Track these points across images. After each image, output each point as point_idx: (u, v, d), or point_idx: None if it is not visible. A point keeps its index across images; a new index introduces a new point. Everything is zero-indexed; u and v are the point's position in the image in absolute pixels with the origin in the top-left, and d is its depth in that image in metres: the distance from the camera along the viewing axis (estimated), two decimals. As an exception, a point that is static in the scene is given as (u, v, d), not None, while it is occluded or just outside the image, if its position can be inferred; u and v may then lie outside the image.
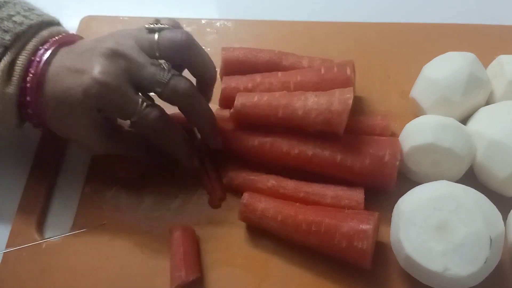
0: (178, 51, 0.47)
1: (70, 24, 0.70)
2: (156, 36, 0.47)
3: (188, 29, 0.66)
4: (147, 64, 0.46)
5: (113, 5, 0.74)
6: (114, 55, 0.45)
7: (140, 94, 0.46)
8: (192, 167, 0.51)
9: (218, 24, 0.67)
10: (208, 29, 0.67)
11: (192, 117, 0.49)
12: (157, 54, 0.47)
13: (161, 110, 0.47)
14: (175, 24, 0.50)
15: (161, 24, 0.48)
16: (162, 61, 0.46)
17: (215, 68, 0.51)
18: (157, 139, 0.48)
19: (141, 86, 0.46)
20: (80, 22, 0.69)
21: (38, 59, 0.47)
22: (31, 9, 0.49)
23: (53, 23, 0.51)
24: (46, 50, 0.47)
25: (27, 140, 0.58)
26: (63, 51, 0.48)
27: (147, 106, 0.45)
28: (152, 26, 0.48)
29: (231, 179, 0.53)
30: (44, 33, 0.48)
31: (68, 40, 0.50)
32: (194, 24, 0.67)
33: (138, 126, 0.46)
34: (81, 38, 0.52)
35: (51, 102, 0.47)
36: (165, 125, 0.47)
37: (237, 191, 0.52)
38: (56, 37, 0.49)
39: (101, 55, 0.45)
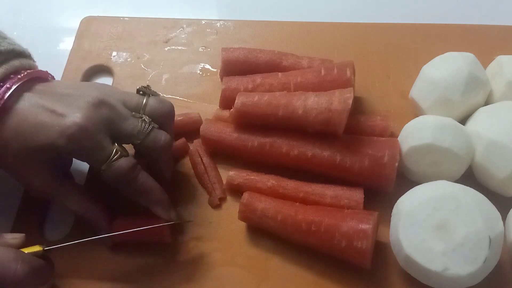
0: (162, 118, 0.49)
1: (70, 24, 0.70)
2: (145, 99, 0.49)
3: (188, 29, 0.67)
4: (129, 116, 0.47)
5: (113, 5, 0.74)
6: (100, 104, 0.46)
7: (116, 144, 0.46)
8: (167, 217, 0.49)
9: (218, 24, 0.67)
10: (208, 30, 0.67)
11: (160, 168, 0.50)
12: (141, 113, 0.48)
13: (133, 161, 0.46)
14: (163, 101, 0.51)
15: (151, 91, 0.50)
16: (143, 115, 0.48)
17: (172, 170, 0.53)
18: (126, 189, 0.47)
19: (120, 136, 0.47)
20: (80, 22, 0.69)
21: (8, 85, 0.45)
22: (3, 37, 0.48)
23: (23, 54, 0.49)
24: (19, 80, 0.46)
25: None
26: (38, 88, 0.47)
27: (120, 156, 0.45)
28: (143, 88, 0.51)
29: (232, 179, 0.53)
30: (15, 62, 0.47)
31: (40, 76, 0.48)
32: (194, 24, 0.67)
33: (107, 175, 0.45)
34: (52, 76, 0.51)
35: (9, 133, 0.45)
36: (135, 176, 0.46)
37: (237, 191, 0.53)
38: (28, 70, 0.47)
39: (87, 102, 0.45)
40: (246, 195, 0.50)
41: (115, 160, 0.45)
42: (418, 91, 0.54)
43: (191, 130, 0.56)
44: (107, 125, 0.46)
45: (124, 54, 0.65)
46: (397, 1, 0.70)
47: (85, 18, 0.69)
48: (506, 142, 0.46)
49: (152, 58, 0.65)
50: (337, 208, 0.48)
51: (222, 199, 0.53)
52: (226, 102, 0.56)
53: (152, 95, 0.50)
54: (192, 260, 0.50)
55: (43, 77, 0.49)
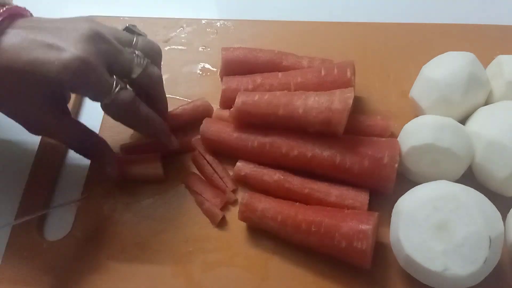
0: (152, 55, 0.49)
1: (70, 24, 0.70)
2: (135, 37, 0.49)
3: (188, 29, 0.67)
4: (123, 50, 0.47)
5: (113, 5, 0.74)
6: (95, 36, 0.44)
7: (114, 76, 0.46)
8: (170, 144, 0.52)
9: (218, 24, 0.67)
10: (208, 29, 0.67)
11: (157, 104, 0.51)
12: (131, 76, 0.47)
13: (132, 93, 0.47)
14: (150, 42, 0.51)
15: (138, 30, 0.50)
16: (136, 51, 0.48)
17: (166, 108, 0.55)
18: (130, 120, 0.48)
19: (117, 70, 0.46)
20: (80, 22, 0.69)
21: None
22: None
23: None
24: None
25: (28, 140, 0.58)
26: (23, 23, 0.44)
27: (120, 88, 0.45)
28: (132, 27, 0.50)
29: (239, 169, 0.53)
30: None
31: (20, 12, 0.46)
32: (194, 24, 0.67)
33: (110, 108, 0.45)
34: (31, 14, 0.48)
35: (2, 73, 0.43)
36: (137, 106, 0.47)
37: (244, 182, 0.53)
38: (7, 6, 0.45)
39: (82, 34, 0.44)
40: (246, 195, 0.50)
41: (117, 92, 0.45)
42: (418, 91, 0.54)
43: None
44: (105, 58, 0.45)
45: (124, 54, 0.65)
46: (397, 1, 0.70)
47: (85, 18, 0.69)
48: (506, 142, 0.46)
49: (152, 58, 0.65)
50: (337, 209, 0.48)
51: (235, 191, 0.53)
52: (227, 102, 0.56)
53: (139, 34, 0.50)
54: (192, 260, 0.50)
55: (23, 14, 0.47)
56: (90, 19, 0.47)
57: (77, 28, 0.44)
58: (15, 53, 0.42)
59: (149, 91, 0.49)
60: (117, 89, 0.45)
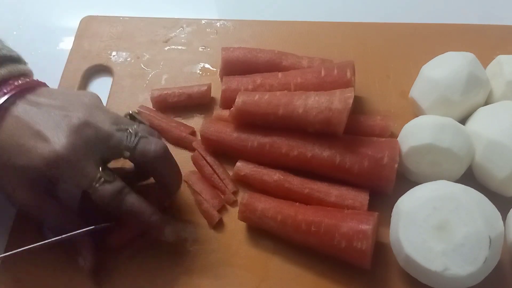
0: (148, 162, 0.46)
1: (70, 24, 0.70)
2: (135, 125, 0.48)
3: (188, 29, 0.67)
4: (113, 131, 0.46)
5: (113, 5, 0.74)
6: (83, 125, 0.44)
7: (100, 169, 0.44)
8: (163, 237, 0.49)
9: (218, 24, 0.67)
10: (208, 29, 0.67)
11: (161, 178, 0.49)
12: (125, 155, 0.46)
13: (118, 186, 0.45)
14: (151, 132, 0.50)
15: (137, 132, 0.47)
16: (129, 126, 0.47)
17: (180, 180, 0.51)
18: (113, 212, 0.46)
19: (108, 154, 0.46)
20: (80, 22, 0.69)
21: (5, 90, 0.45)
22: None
23: (13, 59, 0.47)
24: (5, 93, 0.45)
25: None
26: (27, 100, 0.46)
27: (104, 181, 0.44)
28: (134, 114, 0.51)
29: (239, 169, 0.53)
30: (2, 71, 0.45)
31: (31, 86, 0.47)
32: (194, 24, 0.67)
33: (93, 198, 0.45)
34: (44, 84, 0.49)
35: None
36: (119, 201, 0.45)
37: (244, 182, 0.53)
38: (19, 81, 0.46)
39: (69, 126, 0.44)
40: (246, 196, 0.50)
41: (98, 186, 0.44)
42: (418, 91, 0.54)
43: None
44: (91, 147, 0.44)
45: (124, 53, 0.65)
46: (397, 1, 0.70)
47: (84, 17, 0.69)
48: (506, 142, 0.46)
49: (152, 58, 0.65)
50: (337, 209, 0.48)
51: (236, 193, 0.53)
52: (227, 102, 0.56)
53: (140, 122, 0.50)
54: (192, 260, 0.50)
55: (33, 87, 0.47)
56: (91, 103, 0.47)
57: (68, 116, 0.45)
58: (10, 134, 0.44)
59: (150, 168, 0.47)
60: (98, 183, 0.44)
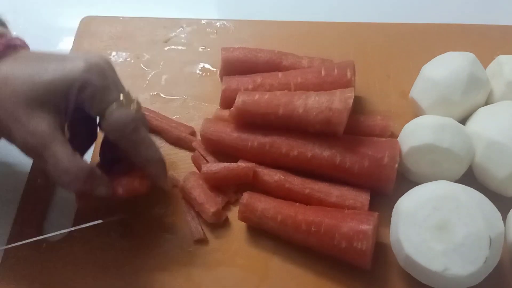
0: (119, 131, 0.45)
1: (70, 24, 0.70)
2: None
3: (188, 29, 0.67)
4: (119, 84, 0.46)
5: (113, 5, 0.74)
6: (101, 60, 0.45)
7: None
8: (163, 180, 0.49)
9: (218, 24, 0.67)
10: (208, 29, 0.67)
11: (138, 155, 0.47)
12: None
13: (133, 114, 0.45)
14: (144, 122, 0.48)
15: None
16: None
17: (162, 164, 0.49)
18: (130, 139, 0.45)
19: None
20: (80, 22, 0.69)
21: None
22: None
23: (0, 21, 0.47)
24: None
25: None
26: (24, 53, 0.45)
27: (125, 103, 0.44)
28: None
29: None
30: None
31: (18, 44, 0.46)
32: (194, 24, 0.67)
33: (110, 122, 0.44)
34: (27, 45, 0.47)
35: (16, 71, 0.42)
36: (138, 126, 0.45)
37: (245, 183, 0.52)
38: (8, 37, 0.45)
39: (88, 56, 0.44)
40: (246, 195, 0.49)
41: (116, 108, 0.44)
42: (418, 91, 0.54)
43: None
44: (113, 77, 0.45)
45: (124, 54, 0.65)
46: (397, 1, 0.70)
47: (84, 18, 0.69)
48: (506, 142, 0.46)
49: (152, 58, 0.65)
50: (337, 209, 0.48)
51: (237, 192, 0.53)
52: (227, 102, 0.56)
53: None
54: (192, 260, 0.50)
55: (23, 46, 0.46)
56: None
57: (78, 56, 0.44)
58: (33, 57, 0.44)
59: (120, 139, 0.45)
60: (117, 105, 0.44)
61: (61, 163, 0.42)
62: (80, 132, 0.49)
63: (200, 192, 0.52)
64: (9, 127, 0.42)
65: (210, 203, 0.51)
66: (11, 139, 0.44)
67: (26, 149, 0.43)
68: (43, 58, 0.44)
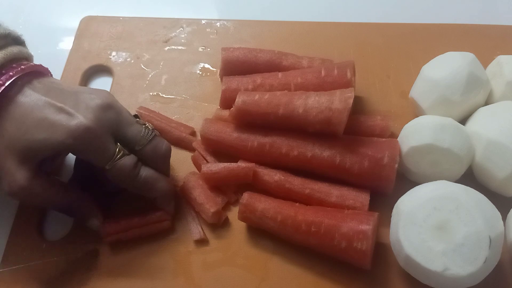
0: (155, 158, 0.49)
1: (70, 24, 0.70)
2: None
3: (188, 29, 0.67)
4: (133, 121, 0.49)
5: (113, 5, 0.74)
6: (107, 106, 0.46)
7: (118, 144, 0.47)
8: (169, 211, 0.51)
9: (218, 24, 0.67)
10: (208, 29, 0.67)
11: (143, 193, 0.50)
12: (136, 147, 0.48)
13: (134, 159, 0.47)
14: (157, 132, 0.51)
15: (153, 129, 0.50)
16: (146, 122, 0.49)
17: (168, 196, 0.52)
18: (129, 185, 0.48)
19: (123, 140, 0.47)
20: (80, 22, 0.69)
21: (11, 73, 0.45)
22: None
23: (19, 40, 0.49)
24: (22, 70, 0.46)
25: None
26: (42, 82, 0.47)
27: (122, 155, 0.46)
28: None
29: None
30: (14, 49, 0.46)
31: (41, 71, 0.48)
32: (194, 24, 0.67)
33: (111, 173, 0.46)
34: (49, 71, 0.50)
35: (11, 124, 0.44)
36: (136, 173, 0.47)
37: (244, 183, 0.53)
38: (31, 63, 0.47)
39: (95, 104, 0.46)
40: (246, 196, 0.49)
41: (118, 159, 0.46)
42: (418, 91, 0.54)
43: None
44: (112, 127, 0.46)
45: (124, 54, 0.65)
46: (397, 1, 0.70)
47: (84, 17, 0.69)
48: (506, 142, 0.46)
49: (152, 58, 0.65)
50: (337, 209, 0.48)
51: (237, 193, 0.53)
52: (227, 102, 0.56)
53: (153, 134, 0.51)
54: (192, 260, 0.50)
55: (44, 73, 0.49)
56: (107, 92, 0.49)
57: (91, 97, 0.46)
58: (29, 109, 0.44)
59: (153, 162, 0.49)
60: (118, 156, 0.46)
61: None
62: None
63: (200, 193, 0.52)
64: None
65: (210, 203, 0.51)
66: None
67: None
68: (49, 101, 0.45)
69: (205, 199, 0.51)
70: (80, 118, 0.44)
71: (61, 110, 0.44)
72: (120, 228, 0.50)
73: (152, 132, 0.49)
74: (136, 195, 0.49)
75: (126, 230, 0.50)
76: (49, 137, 0.44)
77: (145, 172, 0.48)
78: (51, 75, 0.51)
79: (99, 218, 0.50)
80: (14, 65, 0.46)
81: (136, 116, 0.52)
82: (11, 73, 0.45)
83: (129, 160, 0.47)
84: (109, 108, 0.46)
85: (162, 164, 0.50)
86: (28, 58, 0.49)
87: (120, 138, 0.47)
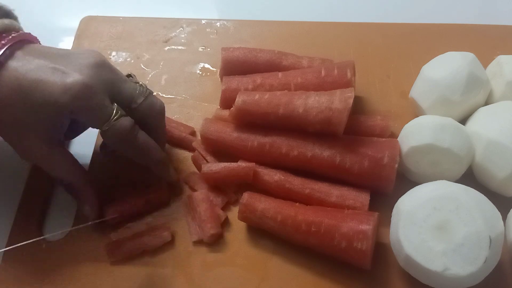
0: (151, 116, 0.49)
1: (70, 24, 0.70)
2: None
3: (188, 29, 0.67)
4: (127, 79, 0.49)
5: (113, 5, 0.74)
6: (101, 64, 0.46)
7: (115, 104, 0.46)
8: (167, 176, 0.52)
9: (218, 24, 0.67)
10: (208, 29, 0.67)
11: (155, 133, 0.51)
12: (132, 105, 0.48)
13: (132, 120, 0.47)
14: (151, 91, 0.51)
15: (147, 87, 0.50)
16: (139, 81, 0.50)
17: (166, 139, 0.54)
18: (127, 148, 0.48)
19: (119, 98, 0.47)
20: (80, 22, 0.69)
21: (3, 41, 0.44)
22: None
23: (11, 14, 0.49)
24: (13, 39, 0.45)
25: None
26: (32, 48, 0.46)
27: (120, 116, 0.46)
28: (131, 75, 0.51)
29: None
30: (5, 21, 0.46)
31: (30, 39, 0.48)
32: (194, 24, 0.67)
33: (108, 134, 0.46)
34: (38, 40, 0.50)
35: (7, 90, 0.44)
36: (135, 135, 0.47)
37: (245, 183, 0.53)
38: (20, 32, 0.47)
39: (88, 62, 0.45)
40: (246, 195, 0.49)
41: (116, 119, 0.45)
42: (418, 91, 0.54)
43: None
44: (108, 85, 0.46)
45: (124, 54, 0.65)
46: (397, 1, 0.70)
47: (84, 18, 0.69)
48: (506, 142, 0.46)
49: (152, 58, 0.65)
50: (337, 209, 0.48)
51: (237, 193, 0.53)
52: (227, 102, 0.56)
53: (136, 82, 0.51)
54: (192, 260, 0.50)
55: (34, 41, 0.49)
56: (98, 52, 0.49)
57: (84, 57, 0.46)
58: (22, 73, 0.44)
59: (149, 120, 0.49)
60: (116, 116, 0.45)
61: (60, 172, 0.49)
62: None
63: (206, 209, 0.51)
64: (10, 136, 0.47)
65: (212, 224, 0.50)
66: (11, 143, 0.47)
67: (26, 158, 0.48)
68: (42, 63, 0.45)
69: (209, 217, 0.50)
70: (75, 76, 0.44)
71: (55, 69, 0.44)
72: (120, 208, 0.51)
73: (147, 90, 0.49)
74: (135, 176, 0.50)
75: (126, 208, 0.51)
76: (47, 96, 0.43)
77: (142, 136, 0.48)
78: (40, 43, 0.50)
79: (93, 207, 0.50)
80: (4, 34, 0.45)
81: (129, 75, 0.52)
82: (3, 42, 0.44)
83: (126, 121, 0.46)
84: (103, 66, 0.46)
85: (159, 121, 0.50)
86: (19, 30, 0.48)
87: (116, 96, 0.47)
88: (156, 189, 0.52)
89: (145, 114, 0.48)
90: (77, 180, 0.50)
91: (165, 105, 0.51)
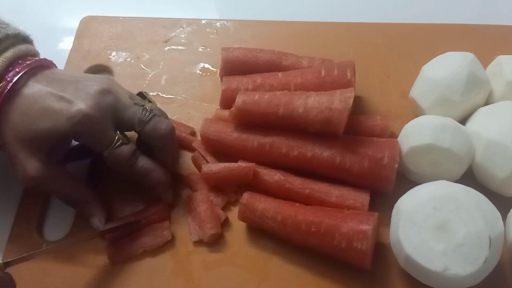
0: (156, 139, 0.50)
1: (70, 24, 0.70)
2: (146, 102, 0.52)
3: (188, 29, 0.67)
4: (131, 104, 0.50)
5: (113, 5, 0.74)
6: (105, 92, 0.48)
7: (118, 132, 0.49)
8: (165, 199, 0.52)
9: (218, 24, 0.67)
10: (208, 29, 0.67)
11: (162, 155, 0.52)
12: (136, 129, 0.49)
13: (132, 148, 0.49)
14: (161, 111, 0.53)
15: (152, 109, 0.50)
16: (145, 103, 0.51)
17: (178, 161, 0.56)
18: (127, 172, 0.50)
19: (122, 123, 0.49)
20: (80, 22, 0.69)
21: (17, 69, 0.47)
22: (7, 23, 0.50)
23: (28, 39, 0.51)
24: (28, 66, 0.48)
25: None
26: (45, 74, 0.49)
27: (121, 144, 0.48)
28: (143, 93, 0.54)
29: None
30: (22, 47, 0.49)
31: (45, 64, 0.50)
32: (194, 24, 0.67)
33: (108, 160, 0.48)
34: (54, 64, 0.52)
35: (17, 116, 0.47)
36: (134, 162, 0.49)
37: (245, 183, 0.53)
38: (36, 58, 0.50)
39: (94, 90, 0.48)
40: (246, 196, 0.49)
41: (116, 147, 0.47)
42: (418, 91, 0.54)
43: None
44: (111, 112, 0.48)
45: (124, 53, 0.65)
46: (397, 1, 0.70)
47: (84, 18, 0.69)
48: (506, 142, 0.46)
49: (152, 58, 0.65)
50: (337, 209, 0.48)
51: (237, 192, 0.53)
52: (227, 102, 0.56)
53: (150, 101, 0.53)
54: (192, 260, 0.50)
55: (49, 65, 0.51)
56: (108, 77, 0.51)
57: (90, 84, 0.48)
58: (33, 100, 0.47)
59: (154, 143, 0.50)
60: (117, 144, 0.48)
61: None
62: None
63: (206, 209, 0.51)
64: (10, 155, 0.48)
65: (211, 224, 0.50)
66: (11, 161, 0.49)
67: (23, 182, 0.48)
68: (51, 91, 0.47)
69: (209, 217, 0.50)
70: (79, 105, 0.46)
71: (61, 98, 0.47)
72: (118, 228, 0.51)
73: (150, 113, 0.49)
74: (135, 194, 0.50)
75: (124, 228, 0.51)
76: (53, 125, 0.46)
77: (142, 161, 0.50)
78: (56, 67, 0.52)
79: (101, 218, 0.51)
80: (20, 61, 0.48)
81: (141, 94, 0.53)
82: (17, 69, 0.47)
83: (127, 148, 0.48)
84: (107, 93, 0.48)
85: (163, 144, 0.51)
86: (35, 55, 0.51)
87: (119, 121, 0.49)
88: (157, 210, 0.52)
89: (148, 137, 0.50)
90: (83, 196, 0.51)
91: (167, 106, 0.52)
